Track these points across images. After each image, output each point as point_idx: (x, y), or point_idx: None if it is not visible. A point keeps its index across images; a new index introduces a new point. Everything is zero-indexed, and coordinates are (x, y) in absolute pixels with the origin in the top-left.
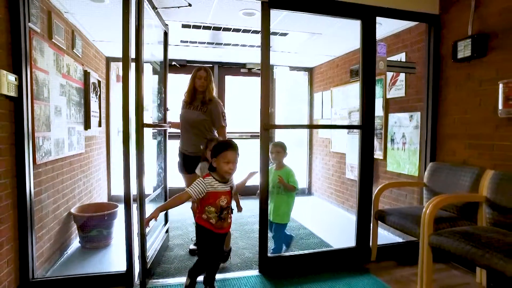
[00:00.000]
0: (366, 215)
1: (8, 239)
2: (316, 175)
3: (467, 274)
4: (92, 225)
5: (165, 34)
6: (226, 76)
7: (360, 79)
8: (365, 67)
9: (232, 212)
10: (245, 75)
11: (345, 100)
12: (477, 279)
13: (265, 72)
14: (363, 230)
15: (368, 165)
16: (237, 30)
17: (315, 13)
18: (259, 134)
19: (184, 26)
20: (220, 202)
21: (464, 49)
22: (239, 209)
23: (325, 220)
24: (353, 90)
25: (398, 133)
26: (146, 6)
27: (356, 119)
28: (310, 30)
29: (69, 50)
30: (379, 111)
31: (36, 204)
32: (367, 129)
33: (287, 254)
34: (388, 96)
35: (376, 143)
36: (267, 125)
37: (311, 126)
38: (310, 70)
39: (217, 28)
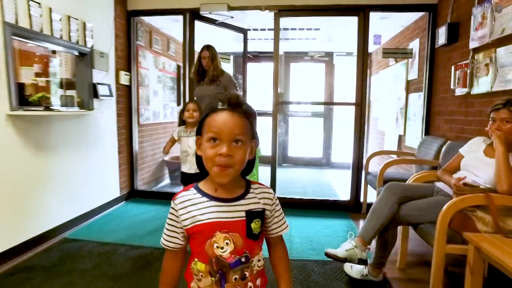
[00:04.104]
0: (358, 176)
1: (125, 163)
2: (368, 152)
3: None
4: (177, 169)
5: (244, 35)
6: (291, 63)
7: (356, 64)
8: (360, 55)
9: (260, 273)
10: (307, 61)
11: (388, 81)
12: None
13: (276, 61)
14: (355, 188)
15: (360, 135)
16: (286, 29)
17: (318, 16)
18: (272, 109)
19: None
20: (215, 249)
21: (443, 36)
22: None
23: None
24: (391, 73)
25: (412, 111)
26: (201, 23)
27: (397, 97)
28: (336, 24)
29: (164, 52)
30: (402, 92)
31: (139, 148)
32: (360, 105)
33: (292, 196)
34: (408, 78)
35: (401, 121)
36: (277, 102)
37: (314, 103)
38: (369, 55)
39: (255, 29)
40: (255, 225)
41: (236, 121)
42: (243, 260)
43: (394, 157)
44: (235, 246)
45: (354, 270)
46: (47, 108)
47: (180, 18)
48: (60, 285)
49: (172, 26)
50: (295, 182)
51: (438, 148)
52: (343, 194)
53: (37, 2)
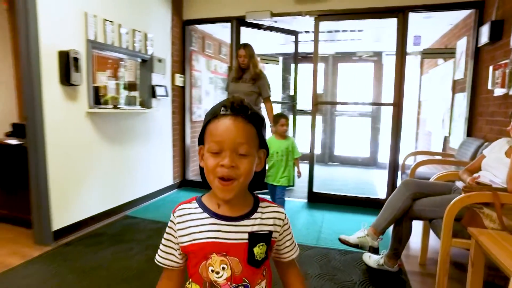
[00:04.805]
0: (394, 175)
1: (178, 155)
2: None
3: None
4: None
5: (296, 37)
6: (339, 64)
7: (395, 65)
8: (398, 56)
9: None
10: (355, 61)
11: (437, 81)
12: None
13: (315, 64)
14: (391, 187)
15: (397, 135)
16: (330, 31)
17: (357, 19)
18: (311, 110)
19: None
20: (210, 273)
21: (486, 34)
22: (299, 174)
23: None
24: (440, 72)
25: (457, 112)
26: (247, 29)
27: (444, 97)
28: (381, 25)
29: (216, 55)
30: (449, 92)
31: (191, 142)
32: (397, 106)
33: (325, 192)
34: (455, 78)
35: (448, 122)
36: (316, 102)
37: (353, 103)
38: (420, 54)
39: (300, 32)
40: (258, 250)
41: (240, 128)
42: (243, 285)
43: (438, 158)
44: (233, 272)
45: (372, 259)
46: (115, 106)
47: (229, 24)
48: (121, 248)
49: (223, 31)
50: (337, 180)
51: (475, 150)
52: (383, 193)
53: (110, 21)
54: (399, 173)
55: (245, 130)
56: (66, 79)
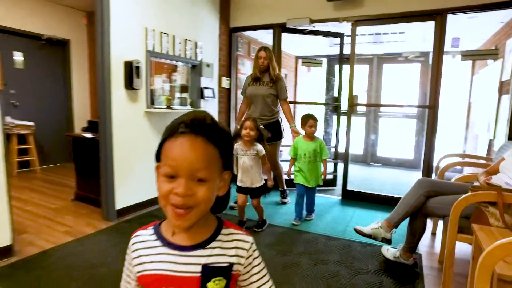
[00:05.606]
0: (428, 176)
1: None
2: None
3: None
4: None
5: (341, 39)
6: (383, 65)
7: (431, 68)
8: (435, 58)
9: None
10: (401, 62)
11: (485, 82)
12: None
13: (352, 67)
14: None
15: (432, 137)
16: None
17: (394, 23)
18: (347, 111)
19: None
20: None
21: None
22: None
23: None
24: (489, 73)
25: (503, 114)
26: (287, 34)
27: (491, 99)
28: (426, 26)
29: None
30: (496, 93)
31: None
32: (433, 108)
33: (358, 190)
34: (502, 79)
35: (493, 125)
36: (352, 104)
37: (385, 105)
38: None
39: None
40: (214, 286)
41: (199, 150)
42: None
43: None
44: None
45: (389, 252)
46: (168, 107)
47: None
48: None
49: (267, 36)
50: (376, 180)
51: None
52: None
53: (166, 33)
54: (433, 175)
55: (205, 152)
56: (129, 84)
